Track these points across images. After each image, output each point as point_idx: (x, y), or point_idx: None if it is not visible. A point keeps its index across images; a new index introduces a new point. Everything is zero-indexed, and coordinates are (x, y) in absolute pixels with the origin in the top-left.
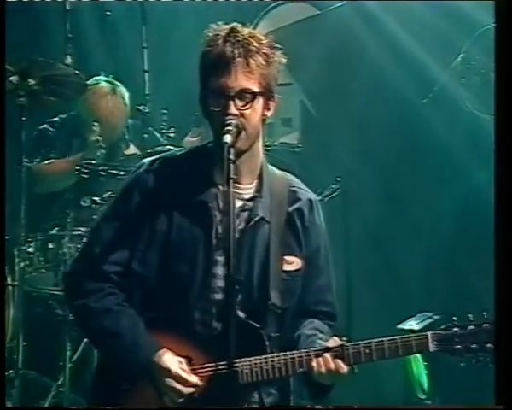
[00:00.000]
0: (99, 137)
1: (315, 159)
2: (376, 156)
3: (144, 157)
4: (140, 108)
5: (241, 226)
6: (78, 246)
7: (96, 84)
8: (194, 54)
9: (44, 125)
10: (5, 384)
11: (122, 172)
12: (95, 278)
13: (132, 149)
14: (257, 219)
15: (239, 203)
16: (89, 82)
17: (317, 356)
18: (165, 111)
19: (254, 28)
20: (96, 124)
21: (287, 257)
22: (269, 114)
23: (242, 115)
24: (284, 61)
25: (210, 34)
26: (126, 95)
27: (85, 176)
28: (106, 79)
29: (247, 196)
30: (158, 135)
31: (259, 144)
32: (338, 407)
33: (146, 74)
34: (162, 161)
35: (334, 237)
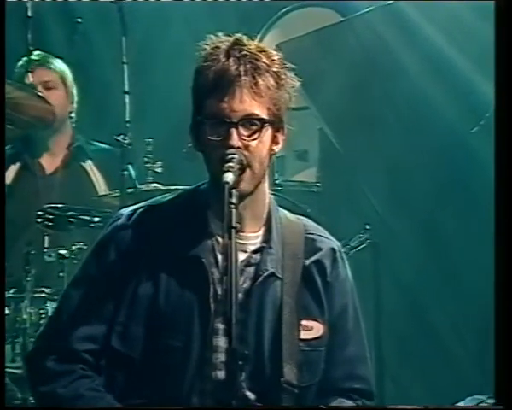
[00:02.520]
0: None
1: (338, 202)
2: (414, 199)
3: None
4: (119, 138)
5: (245, 285)
6: (41, 312)
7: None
8: (186, 71)
9: None
10: (5, 384)
11: (96, 219)
12: (64, 357)
13: (102, 187)
14: (266, 275)
15: (242, 256)
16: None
17: None
18: (149, 140)
19: (262, 39)
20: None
21: (304, 322)
22: (277, 148)
23: (247, 148)
24: (297, 84)
25: (208, 47)
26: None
27: (50, 223)
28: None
29: (252, 248)
30: (133, 173)
31: (266, 185)
32: (340, 406)
33: (126, 96)
34: (145, 210)
35: (362, 299)
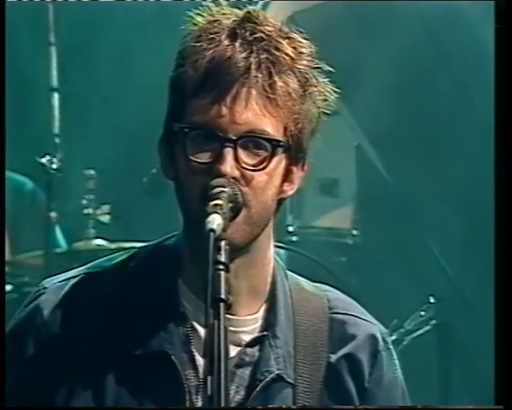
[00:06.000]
0: None
1: (384, 260)
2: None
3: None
4: (43, 160)
5: (238, 396)
6: None
7: None
8: (152, 61)
9: None
10: (5, 384)
11: (8, 287)
12: None
13: None
14: (269, 379)
15: (232, 352)
16: None
17: None
18: (91, 173)
19: (264, 10)
20: None
21: None
22: (291, 190)
23: (247, 182)
24: (333, 97)
25: (201, 20)
26: None
27: None
28: None
29: (246, 338)
30: (59, 233)
31: (269, 240)
32: (340, 407)
33: (55, 96)
34: (81, 280)
35: (425, 400)
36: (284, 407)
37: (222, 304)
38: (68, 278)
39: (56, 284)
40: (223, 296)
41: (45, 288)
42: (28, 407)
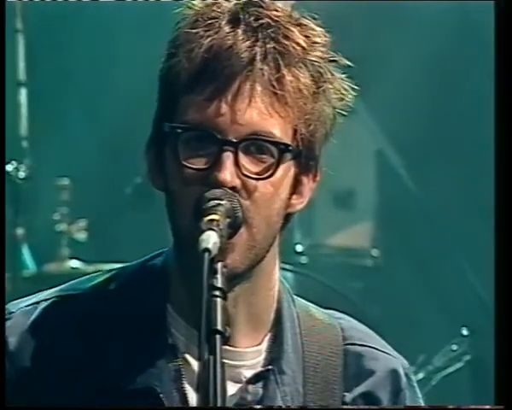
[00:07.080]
0: None
1: (410, 284)
2: None
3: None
4: (9, 168)
5: None
6: None
7: None
8: (131, 47)
9: None
10: (5, 384)
11: None
12: None
13: None
14: None
15: (232, 389)
16: None
17: None
18: (64, 182)
19: None
20: None
21: None
22: (299, 204)
23: (248, 192)
24: (351, 96)
25: (197, 1)
26: None
27: None
28: None
29: (248, 373)
30: (27, 254)
31: (274, 261)
32: (340, 407)
33: (22, 91)
34: (54, 303)
35: None
36: (284, 406)
37: (218, 337)
38: (38, 302)
39: (24, 309)
40: (219, 328)
41: (11, 313)
42: (28, 407)
